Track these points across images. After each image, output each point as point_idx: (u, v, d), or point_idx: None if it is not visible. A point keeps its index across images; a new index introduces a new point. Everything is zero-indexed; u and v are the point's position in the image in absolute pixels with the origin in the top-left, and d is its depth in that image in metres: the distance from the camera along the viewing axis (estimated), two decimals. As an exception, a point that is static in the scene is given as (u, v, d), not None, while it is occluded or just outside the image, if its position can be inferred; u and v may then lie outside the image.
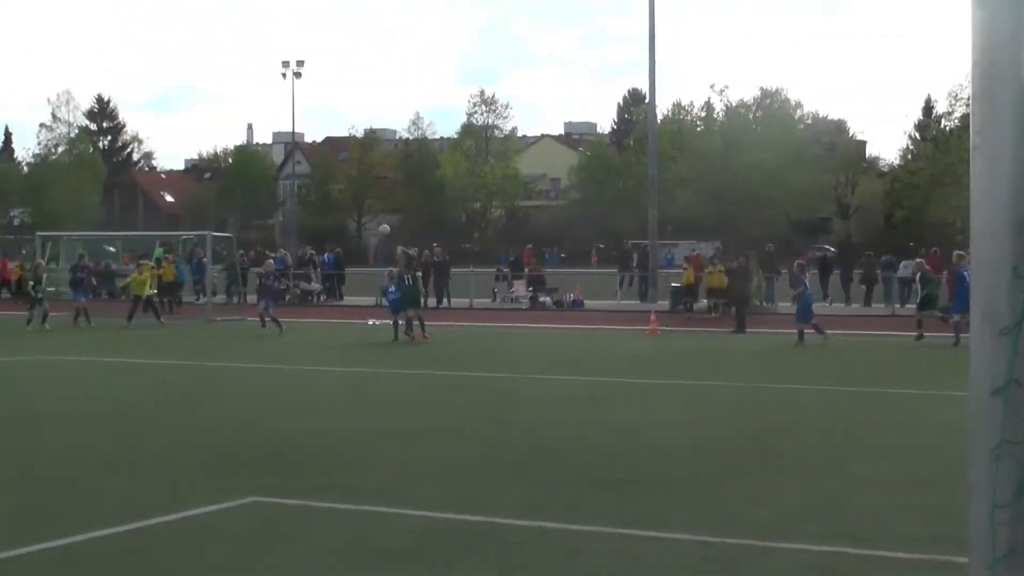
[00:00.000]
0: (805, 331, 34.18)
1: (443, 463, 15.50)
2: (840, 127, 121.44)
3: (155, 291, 45.35)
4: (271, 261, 42.53)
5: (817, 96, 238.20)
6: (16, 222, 73.46)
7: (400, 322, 35.48)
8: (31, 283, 41.86)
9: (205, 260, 52.16)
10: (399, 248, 37.93)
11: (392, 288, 36.56)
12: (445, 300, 54.56)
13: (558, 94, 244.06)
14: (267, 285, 40.41)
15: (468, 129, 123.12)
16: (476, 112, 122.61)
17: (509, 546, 11.20)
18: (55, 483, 14.07)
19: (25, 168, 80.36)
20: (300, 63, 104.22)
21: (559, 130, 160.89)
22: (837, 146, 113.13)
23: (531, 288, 55.59)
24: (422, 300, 40.09)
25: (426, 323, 35.75)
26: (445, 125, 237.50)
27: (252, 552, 10.94)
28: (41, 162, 77.80)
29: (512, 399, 22.59)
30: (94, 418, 19.84)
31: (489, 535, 11.58)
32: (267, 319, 38.31)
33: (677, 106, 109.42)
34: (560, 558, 10.86)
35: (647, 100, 67.45)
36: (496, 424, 19.38)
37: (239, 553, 10.91)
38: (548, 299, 53.95)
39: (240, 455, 16.08)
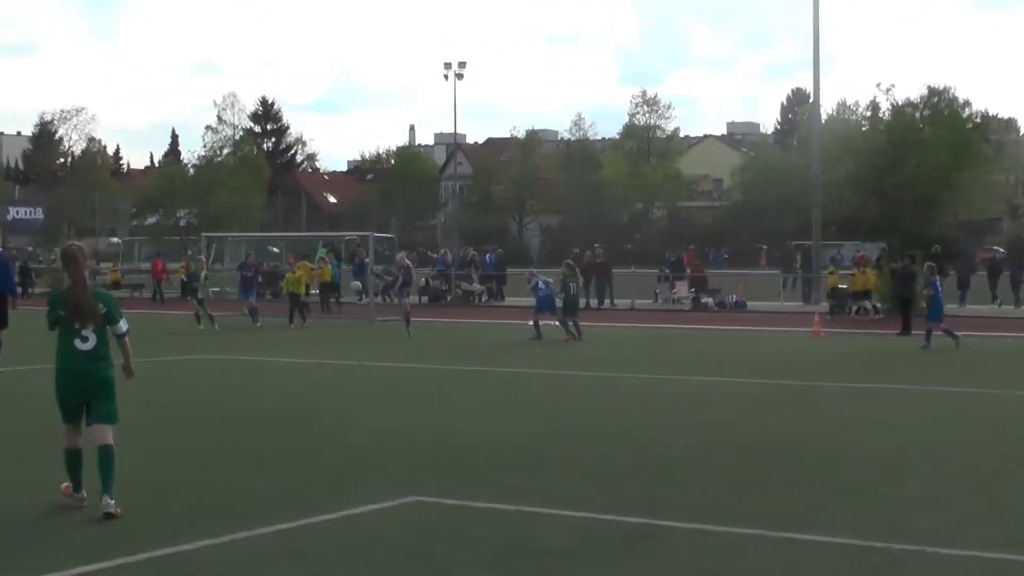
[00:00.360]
0: (935, 333, 33.53)
1: (603, 464, 15.44)
2: (1010, 125, 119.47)
3: (310, 292, 45.82)
4: (402, 254, 42.15)
5: (986, 94, 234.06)
6: (182, 223, 74.43)
7: (551, 323, 35.75)
8: (191, 282, 42.61)
9: (367, 260, 52.58)
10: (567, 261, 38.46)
11: (541, 286, 36.80)
12: (607, 301, 54.48)
13: (721, 94, 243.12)
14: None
15: (630, 130, 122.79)
16: (638, 112, 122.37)
17: (669, 548, 11.14)
18: (221, 482, 14.25)
19: (191, 170, 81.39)
20: (462, 64, 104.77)
21: (722, 130, 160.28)
22: (1006, 145, 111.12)
23: (693, 289, 55.33)
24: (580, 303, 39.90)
25: (586, 324, 35.69)
26: (607, 126, 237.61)
27: (413, 551, 10.98)
28: (206, 164, 78.68)
29: (672, 401, 22.46)
30: (257, 417, 20.07)
31: (649, 537, 11.51)
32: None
33: (842, 105, 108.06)
34: (721, 561, 10.76)
35: (811, 99, 66.79)
36: (656, 426, 19.29)
37: (400, 552, 10.96)
38: (710, 300, 53.65)
39: (401, 455, 16.16)
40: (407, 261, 40.54)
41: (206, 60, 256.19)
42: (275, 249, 65.26)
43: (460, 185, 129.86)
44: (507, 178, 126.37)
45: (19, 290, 32.29)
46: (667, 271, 59.84)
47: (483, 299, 58.18)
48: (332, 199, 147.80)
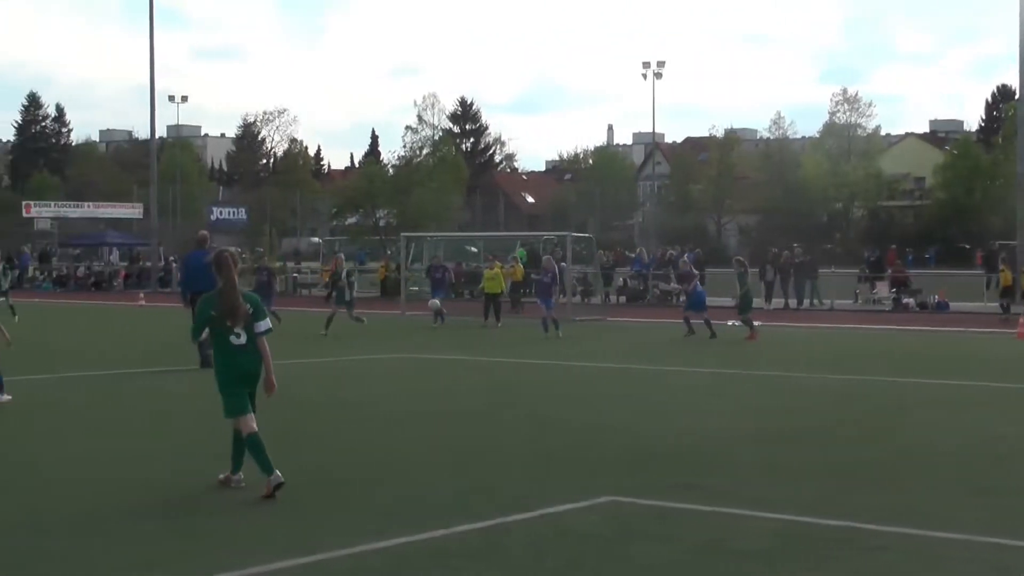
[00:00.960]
0: None
1: (802, 466, 15.22)
2: None
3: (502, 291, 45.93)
4: (548, 258, 41.53)
5: None
6: (381, 223, 75.24)
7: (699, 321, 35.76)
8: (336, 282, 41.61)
9: (563, 264, 52.62)
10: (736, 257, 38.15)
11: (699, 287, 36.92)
12: (808, 301, 53.92)
13: (924, 91, 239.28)
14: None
15: (830, 128, 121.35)
16: (839, 111, 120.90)
17: (870, 552, 10.92)
18: (417, 479, 14.30)
19: (390, 170, 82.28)
20: (661, 63, 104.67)
21: (924, 128, 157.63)
22: None
23: (894, 290, 54.48)
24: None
25: (784, 324, 35.34)
26: (806, 124, 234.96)
27: (609, 551, 10.91)
28: (406, 164, 79.55)
29: (874, 402, 22.13)
30: (453, 415, 20.16)
31: (849, 540, 11.30)
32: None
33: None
34: (923, 566, 10.55)
35: (1016, 96, 65.34)
36: (856, 427, 19.04)
37: (596, 552, 10.89)
38: (911, 301, 52.78)
39: (598, 454, 16.10)
40: (553, 263, 40.21)
41: (406, 61, 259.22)
42: (473, 249, 65.61)
43: (658, 185, 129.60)
44: (705, 177, 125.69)
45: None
46: (867, 271, 58.97)
47: (681, 299, 57.81)
48: (530, 199, 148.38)
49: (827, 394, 23.44)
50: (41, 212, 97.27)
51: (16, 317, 40.20)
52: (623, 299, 59.16)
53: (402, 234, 59.32)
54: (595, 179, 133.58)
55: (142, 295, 59.41)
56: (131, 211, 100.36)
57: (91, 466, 15.21)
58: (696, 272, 45.24)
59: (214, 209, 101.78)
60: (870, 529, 11.66)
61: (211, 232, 38.66)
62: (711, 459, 15.76)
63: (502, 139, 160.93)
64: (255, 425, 13.34)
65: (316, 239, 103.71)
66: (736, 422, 19.31)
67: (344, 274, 40.63)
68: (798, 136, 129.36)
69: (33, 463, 15.38)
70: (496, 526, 11.75)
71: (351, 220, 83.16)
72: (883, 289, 55.46)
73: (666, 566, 10.50)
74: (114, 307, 53.08)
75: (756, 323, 36.51)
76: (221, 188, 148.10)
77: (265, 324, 13.60)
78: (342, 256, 46.95)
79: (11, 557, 10.72)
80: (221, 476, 13.72)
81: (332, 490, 13.48)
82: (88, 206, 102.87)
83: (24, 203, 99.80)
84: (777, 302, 53.73)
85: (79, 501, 13.01)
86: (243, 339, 13.40)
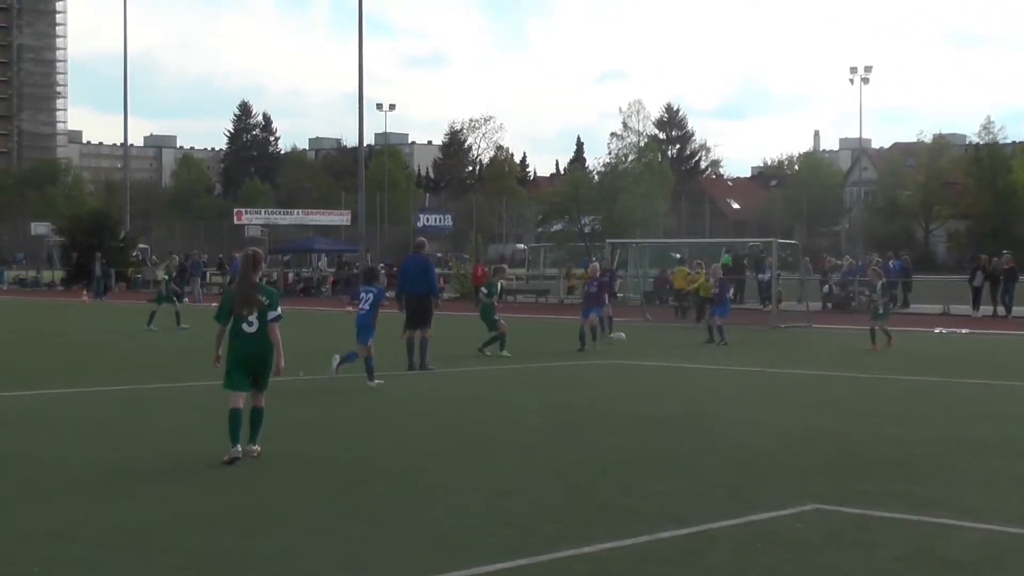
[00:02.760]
0: None
1: (1012, 475, 15.01)
2: None
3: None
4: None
5: None
6: (587, 229, 75.46)
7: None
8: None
9: (766, 273, 52.34)
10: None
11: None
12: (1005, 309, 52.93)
13: None
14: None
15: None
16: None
17: (1082, 564, 10.76)
18: (622, 484, 14.37)
19: (596, 176, 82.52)
20: (868, 68, 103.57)
21: None
22: None
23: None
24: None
25: (994, 332, 34.72)
26: (1018, 129, 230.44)
27: (813, 559, 10.89)
28: (611, 171, 79.66)
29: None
30: (657, 421, 20.19)
31: (1060, 552, 11.16)
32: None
33: None
34: None
35: None
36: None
37: (801, 560, 10.87)
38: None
39: (803, 461, 16.03)
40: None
41: (612, 67, 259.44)
42: (677, 255, 65.56)
43: (865, 190, 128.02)
44: (913, 183, 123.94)
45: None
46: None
47: (891, 306, 57.07)
48: (735, 205, 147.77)
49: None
50: (252, 219, 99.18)
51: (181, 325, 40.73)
52: (829, 306, 58.58)
53: (608, 240, 59.37)
54: (801, 185, 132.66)
55: (349, 300, 60.30)
56: (339, 218, 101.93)
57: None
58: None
59: (421, 216, 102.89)
60: (1081, 541, 11.48)
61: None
62: (917, 466, 15.61)
63: (707, 145, 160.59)
64: (241, 403, 15.47)
65: (522, 245, 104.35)
66: (945, 430, 19.07)
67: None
68: (1008, 141, 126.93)
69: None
70: (700, 533, 11.79)
71: (556, 226, 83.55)
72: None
73: (871, 575, 10.46)
74: (322, 312, 54.03)
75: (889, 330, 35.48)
76: (427, 195, 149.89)
77: (276, 313, 15.64)
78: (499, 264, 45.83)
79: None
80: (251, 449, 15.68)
81: (537, 494, 13.62)
82: (297, 213, 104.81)
83: (235, 210, 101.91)
84: (985, 309, 52.77)
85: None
86: (254, 327, 15.53)
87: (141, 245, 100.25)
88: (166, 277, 44.86)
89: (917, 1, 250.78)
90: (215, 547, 11.30)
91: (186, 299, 67.31)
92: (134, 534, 11.72)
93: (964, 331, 43.67)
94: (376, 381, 24.34)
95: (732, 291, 39.16)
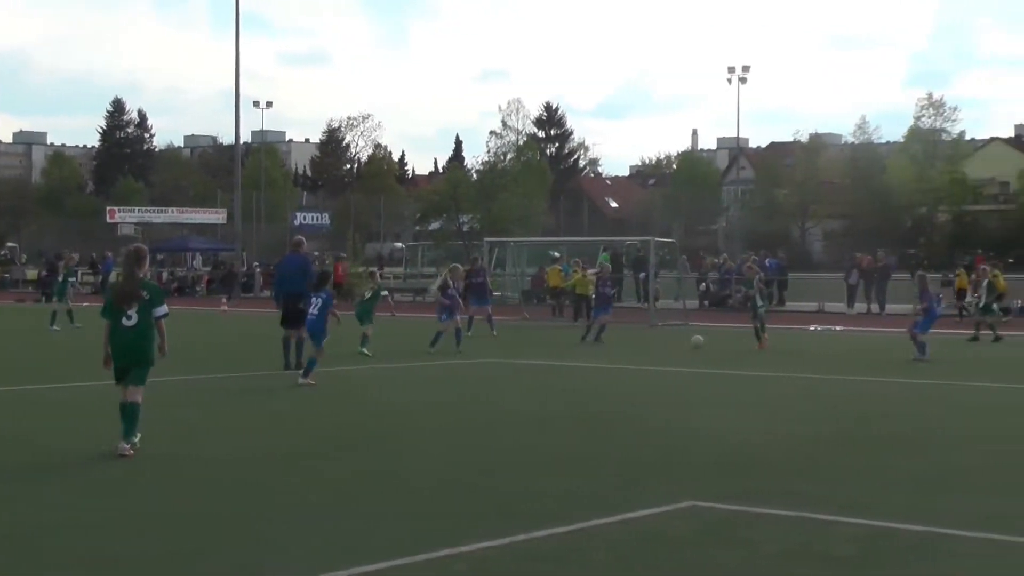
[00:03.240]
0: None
1: (887, 471, 15.15)
2: None
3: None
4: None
5: None
6: (465, 228, 75.48)
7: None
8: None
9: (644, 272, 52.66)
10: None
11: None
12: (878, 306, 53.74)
13: (1009, 96, 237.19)
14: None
15: (915, 133, 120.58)
16: (923, 115, 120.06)
17: (956, 558, 10.85)
18: (503, 484, 14.34)
19: (475, 175, 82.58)
20: (746, 68, 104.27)
21: (1009, 132, 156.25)
22: None
23: (976, 295, 53.88)
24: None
25: (872, 329, 35.13)
26: (892, 128, 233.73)
27: (691, 557, 10.90)
28: (490, 169, 79.75)
29: (959, 407, 21.99)
30: (544, 420, 20.16)
31: (935, 546, 11.24)
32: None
33: None
34: (1010, 572, 10.47)
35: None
36: (940, 432, 18.93)
37: (680, 557, 10.88)
38: (995, 306, 52.23)
39: (682, 459, 16.11)
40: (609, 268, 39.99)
41: (492, 66, 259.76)
42: (556, 254, 65.68)
43: (742, 190, 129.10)
44: (790, 182, 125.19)
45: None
46: (951, 276, 58.52)
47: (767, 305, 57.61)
48: (614, 204, 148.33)
49: (915, 400, 23.34)
50: (125, 217, 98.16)
51: (75, 324, 40.75)
52: (707, 303, 59.06)
53: (485, 239, 59.39)
54: (679, 184, 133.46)
55: (225, 300, 59.88)
56: (215, 216, 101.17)
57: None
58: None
59: (298, 214, 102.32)
60: (955, 535, 11.58)
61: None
62: (799, 463, 15.73)
63: (586, 144, 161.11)
64: (134, 396, 15.82)
65: (400, 244, 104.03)
66: (823, 426, 19.22)
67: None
68: (883, 141, 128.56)
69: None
70: (576, 531, 11.75)
71: (435, 225, 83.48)
72: (968, 294, 54.95)
73: (748, 572, 10.48)
74: (197, 312, 53.58)
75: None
76: (305, 193, 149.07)
77: (163, 310, 16.18)
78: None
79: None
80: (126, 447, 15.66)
81: (414, 495, 13.55)
82: (172, 211, 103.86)
83: (108, 208, 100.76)
84: (860, 307, 53.51)
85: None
86: (133, 320, 15.90)
87: (9, 244, 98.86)
88: (67, 277, 44.80)
89: (794, 2, 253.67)
90: (103, 552, 11.10)
91: (55, 298, 66.57)
92: (12, 539, 11.49)
93: (839, 328, 44.18)
94: (306, 381, 24.35)
95: (614, 290, 39.34)
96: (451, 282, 34.28)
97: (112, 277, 79.82)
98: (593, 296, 39.58)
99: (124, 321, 15.91)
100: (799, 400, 23.34)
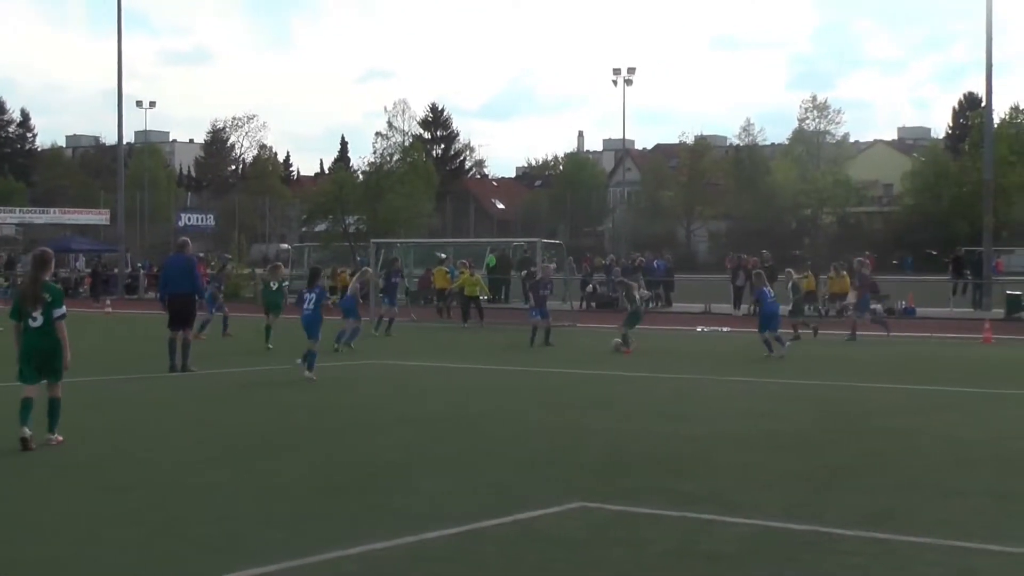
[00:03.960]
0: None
1: (771, 470, 15.39)
2: None
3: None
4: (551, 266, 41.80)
5: None
6: (351, 229, 75.29)
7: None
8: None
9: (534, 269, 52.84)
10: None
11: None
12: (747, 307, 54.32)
13: (892, 98, 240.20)
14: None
15: (799, 135, 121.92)
16: (808, 118, 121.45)
17: (839, 556, 11.06)
18: (389, 484, 14.39)
19: (360, 176, 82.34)
20: (631, 70, 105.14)
21: (892, 135, 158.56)
22: None
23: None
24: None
25: (749, 331, 35.52)
26: (776, 130, 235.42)
27: (581, 557, 11.03)
28: (376, 170, 79.49)
29: (841, 407, 22.28)
30: (425, 420, 20.26)
31: (818, 544, 11.45)
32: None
33: (1015, 110, 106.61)
34: (890, 569, 10.69)
35: (983, 104, 65.80)
36: (823, 431, 19.17)
37: (568, 557, 11.01)
38: (878, 307, 53.06)
39: (571, 460, 16.22)
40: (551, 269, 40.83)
41: (377, 67, 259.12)
42: (443, 255, 65.77)
43: (628, 191, 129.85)
44: (676, 184, 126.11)
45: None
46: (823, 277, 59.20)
47: (650, 306, 57.94)
48: (500, 205, 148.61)
49: (797, 399, 23.63)
50: (5, 218, 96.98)
51: None
52: (593, 305, 59.38)
53: (372, 240, 59.32)
54: (566, 185, 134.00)
55: (108, 301, 59.44)
56: (98, 217, 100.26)
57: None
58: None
59: (182, 215, 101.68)
60: (838, 533, 11.80)
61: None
62: (682, 463, 15.91)
63: (472, 145, 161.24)
64: (34, 394, 16.81)
65: (286, 245, 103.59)
66: (708, 426, 19.45)
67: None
68: (768, 143, 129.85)
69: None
70: (467, 532, 11.85)
71: (321, 226, 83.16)
72: (851, 295, 55.64)
73: (636, 570, 10.63)
74: (80, 314, 53.08)
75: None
76: (189, 194, 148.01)
77: (61, 311, 16.96)
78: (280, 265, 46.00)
79: None
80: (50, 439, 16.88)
81: (307, 497, 13.59)
82: (54, 212, 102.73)
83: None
84: (744, 307, 54.03)
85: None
86: (39, 322, 16.88)
87: None
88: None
89: (678, 4, 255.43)
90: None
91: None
92: None
93: (726, 329, 44.61)
94: (309, 375, 25.97)
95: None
96: (358, 285, 35.79)
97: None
98: (532, 298, 39.15)
99: (30, 323, 16.90)
100: (681, 401, 23.56)
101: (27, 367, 16.96)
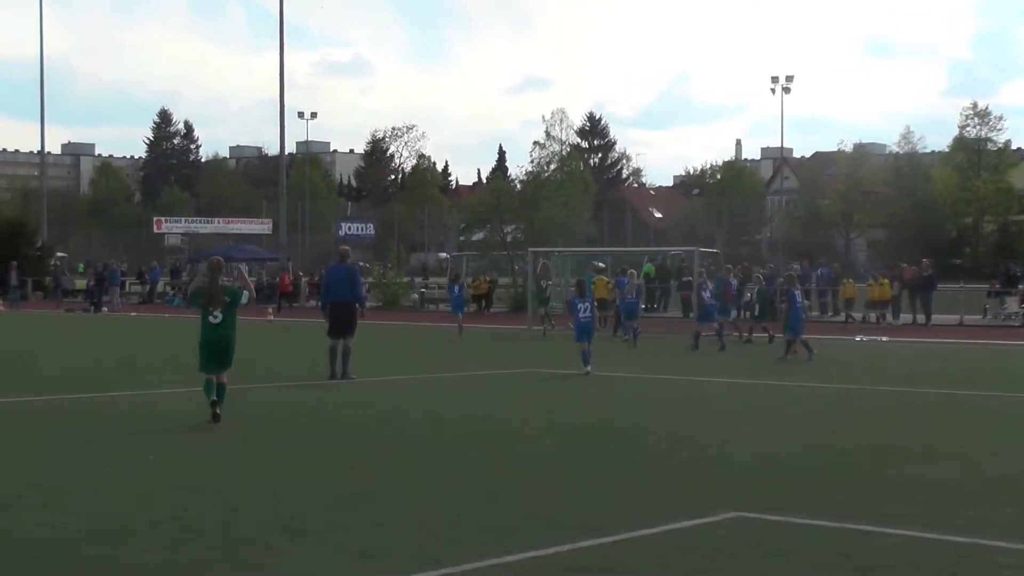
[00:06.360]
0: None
1: (926, 481, 15.21)
2: None
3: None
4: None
5: None
6: (509, 238, 75.48)
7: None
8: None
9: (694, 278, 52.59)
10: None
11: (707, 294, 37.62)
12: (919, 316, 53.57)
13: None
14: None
15: (960, 143, 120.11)
16: (968, 125, 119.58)
17: (998, 569, 10.92)
18: (541, 494, 14.44)
19: (518, 185, 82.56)
20: (789, 78, 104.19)
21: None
22: None
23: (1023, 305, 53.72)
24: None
25: (913, 340, 35.17)
26: (937, 138, 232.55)
27: (736, 567, 11.00)
28: (533, 179, 79.61)
29: (1002, 419, 21.98)
30: (578, 430, 20.29)
31: (977, 557, 11.31)
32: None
33: None
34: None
35: None
36: (979, 443, 18.89)
37: (722, 568, 10.98)
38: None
39: (724, 469, 16.17)
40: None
41: (534, 76, 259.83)
42: (601, 264, 65.70)
43: (786, 199, 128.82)
44: (834, 192, 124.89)
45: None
46: (997, 286, 58.37)
47: (809, 313, 57.20)
48: (657, 214, 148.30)
49: (957, 411, 23.35)
50: (172, 228, 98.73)
51: None
52: (748, 314, 58.90)
53: (530, 249, 59.31)
54: (723, 194, 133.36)
55: (271, 310, 60.20)
56: (260, 227, 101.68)
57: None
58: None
59: (342, 224, 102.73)
60: (998, 546, 11.65)
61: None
62: (834, 473, 15.78)
63: (629, 154, 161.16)
64: (215, 379, 19.90)
65: (444, 254, 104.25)
66: (860, 436, 19.25)
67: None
68: (927, 150, 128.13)
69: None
70: (620, 542, 11.86)
71: (479, 235, 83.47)
72: (1013, 304, 54.74)
73: (790, 582, 10.60)
74: (244, 322, 53.61)
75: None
76: (349, 204, 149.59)
77: (244, 299, 20.61)
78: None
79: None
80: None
81: (460, 504, 13.68)
82: (218, 222, 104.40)
83: (155, 219, 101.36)
84: (905, 317, 53.27)
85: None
86: (219, 319, 20.05)
87: (59, 253, 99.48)
88: None
89: (837, 11, 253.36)
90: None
91: (104, 308, 67.12)
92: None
93: (884, 339, 44.08)
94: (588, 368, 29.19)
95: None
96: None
97: (160, 287, 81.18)
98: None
99: (211, 319, 20.07)
100: (833, 410, 23.32)
101: (208, 356, 20.07)
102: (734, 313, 44.01)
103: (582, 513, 13.19)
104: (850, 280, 53.67)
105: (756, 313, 41.42)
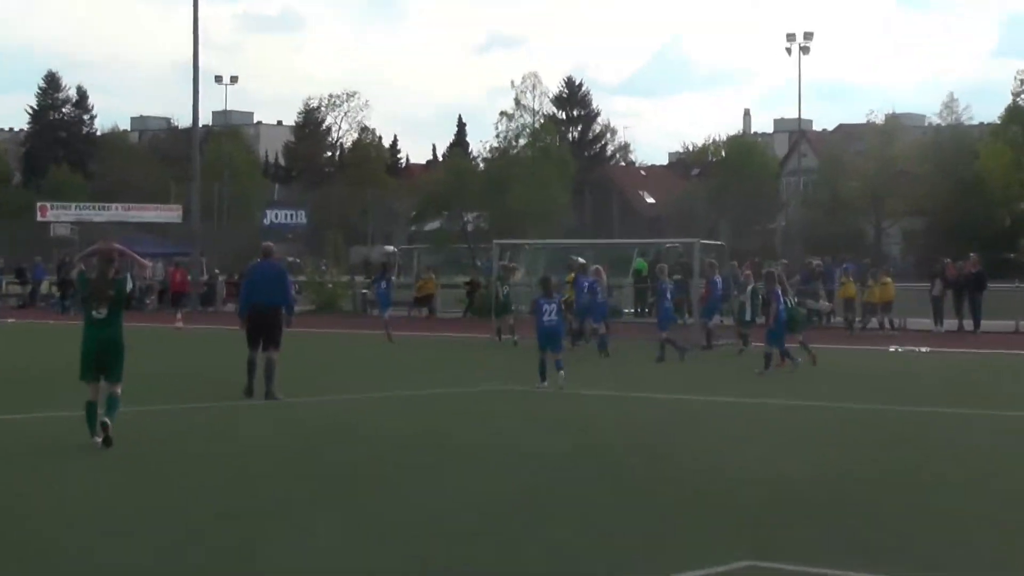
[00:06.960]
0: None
1: (960, 517, 15.21)
2: None
3: None
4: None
5: None
6: (471, 228, 75.53)
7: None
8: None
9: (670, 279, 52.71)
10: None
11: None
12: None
13: None
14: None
15: (1013, 113, 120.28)
16: (1023, 92, 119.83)
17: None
18: (519, 532, 14.42)
19: (481, 164, 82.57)
20: (808, 36, 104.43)
21: None
22: None
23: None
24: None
25: (963, 351, 35.21)
26: (984, 108, 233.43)
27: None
28: (500, 157, 79.63)
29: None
30: (562, 457, 20.18)
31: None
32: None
33: None
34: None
35: None
36: (1007, 476, 18.92)
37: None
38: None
39: (731, 503, 16.11)
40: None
41: (501, 34, 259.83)
42: (581, 260, 65.84)
43: (804, 181, 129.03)
44: (861, 173, 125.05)
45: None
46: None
47: (831, 320, 57.16)
48: (649, 198, 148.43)
49: (985, 433, 23.41)
50: (59, 215, 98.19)
51: None
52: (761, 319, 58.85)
53: (495, 241, 58.94)
54: (729, 174, 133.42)
55: (180, 315, 59.93)
56: (169, 214, 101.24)
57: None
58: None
59: (268, 212, 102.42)
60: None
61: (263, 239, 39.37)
62: (861, 508, 15.79)
63: (615, 127, 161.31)
64: (96, 395, 19.98)
65: (391, 247, 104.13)
66: (891, 465, 19.21)
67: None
68: (974, 122, 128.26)
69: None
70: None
71: (434, 224, 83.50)
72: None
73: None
74: (147, 330, 53.39)
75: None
76: (277, 186, 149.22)
77: (129, 284, 20.74)
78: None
79: None
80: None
81: (412, 551, 13.58)
82: (117, 208, 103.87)
83: (39, 204, 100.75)
84: (950, 323, 53.21)
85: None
86: (103, 315, 20.12)
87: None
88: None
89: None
90: None
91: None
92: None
93: (924, 349, 44.06)
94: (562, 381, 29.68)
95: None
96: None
97: (44, 287, 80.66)
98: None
99: (94, 314, 20.17)
100: (854, 433, 23.37)
101: (89, 361, 20.18)
102: (718, 317, 44.20)
103: (562, 558, 13.10)
104: (848, 278, 53.45)
105: (747, 317, 41.17)
